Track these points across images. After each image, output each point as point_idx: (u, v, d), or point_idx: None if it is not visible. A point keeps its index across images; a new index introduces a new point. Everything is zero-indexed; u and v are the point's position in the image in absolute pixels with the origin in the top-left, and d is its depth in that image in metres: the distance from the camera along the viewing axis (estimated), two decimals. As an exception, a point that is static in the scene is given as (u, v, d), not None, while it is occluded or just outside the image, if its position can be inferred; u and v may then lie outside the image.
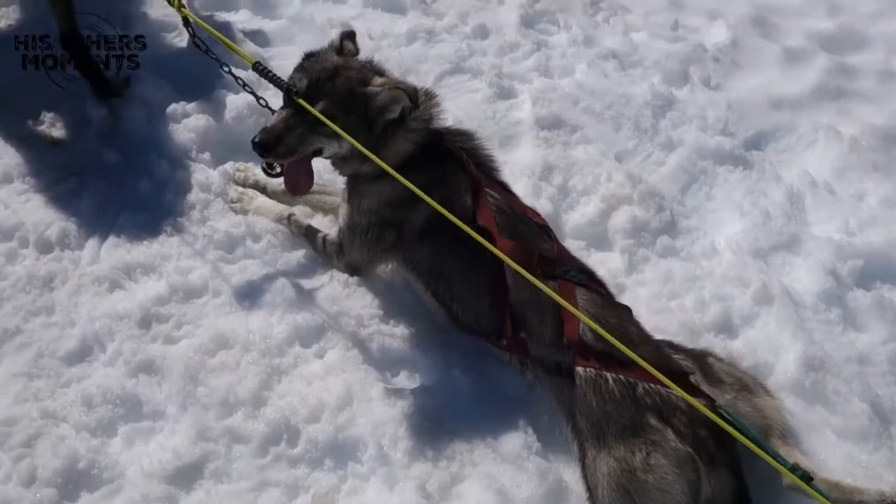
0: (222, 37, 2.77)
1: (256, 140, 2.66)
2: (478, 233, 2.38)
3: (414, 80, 3.79)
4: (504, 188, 2.87)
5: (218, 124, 3.53)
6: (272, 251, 3.13)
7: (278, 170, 2.88)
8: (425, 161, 2.74)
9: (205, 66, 3.30)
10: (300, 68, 2.75)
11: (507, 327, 2.65)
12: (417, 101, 2.71)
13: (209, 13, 4.06)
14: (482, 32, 4.06)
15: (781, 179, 3.63)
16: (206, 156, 3.46)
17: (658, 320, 3.04)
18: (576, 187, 3.47)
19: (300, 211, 3.28)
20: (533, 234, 2.74)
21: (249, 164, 3.43)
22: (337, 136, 2.60)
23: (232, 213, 3.25)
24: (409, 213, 2.76)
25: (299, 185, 2.88)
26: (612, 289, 3.05)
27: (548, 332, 2.58)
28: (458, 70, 3.89)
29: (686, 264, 3.27)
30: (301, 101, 2.59)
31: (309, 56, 2.82)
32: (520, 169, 3.48)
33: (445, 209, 2.36)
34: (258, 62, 2.77)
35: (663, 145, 3.72)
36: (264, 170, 2.90)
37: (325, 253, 3.06)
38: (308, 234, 3.11)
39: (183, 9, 2.86)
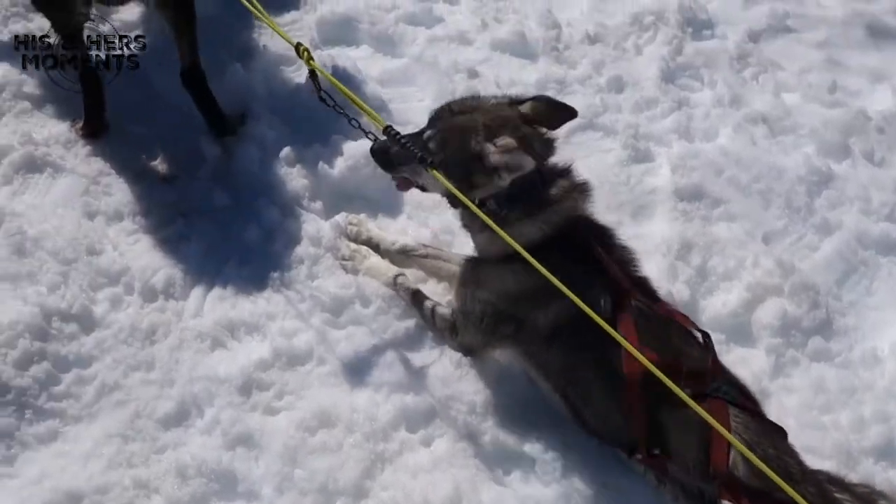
0: (354, 96, 2.64)
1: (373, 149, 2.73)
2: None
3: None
4: (646, 287, 2.60)
5: (332, 172, 3.41)
6: (382, 318, 2.97)
7: None
8: (555, 251, 2.45)
9: (322, 106, 3.19)
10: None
11: (644, 445, 2.39)
12: (544, 179, 2.46)
13: (330, 47, 3.96)
14: (617, 85, 3.82)
15: (959, 278, 3.25)
16: (318, 205, 3.35)
17: (808, 437, 2.74)
18: (716, 269, 3.20)
19: (413, 276, 3.12)
20: (682, 342, 2.46)
21: (362, 217, 3.30)
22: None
23: (342, 271, 3.12)
24: (532, 311, 2.55)
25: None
26: (756, 393, 2.77)
27: (692, 456, 2.31)
28: (590, 126, 3.66)
29: (842, 372, 2.95)
30: (436, 173, 2.42)
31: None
32: (654, 244, 3.23)
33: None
34: (389, 126, 2.61)
35: (818, 228, 3.40)
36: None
37: (437, 329, 2.90)
38: (420, 306, 2.95)
39: (311, 62, 2.74)
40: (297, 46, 2.76)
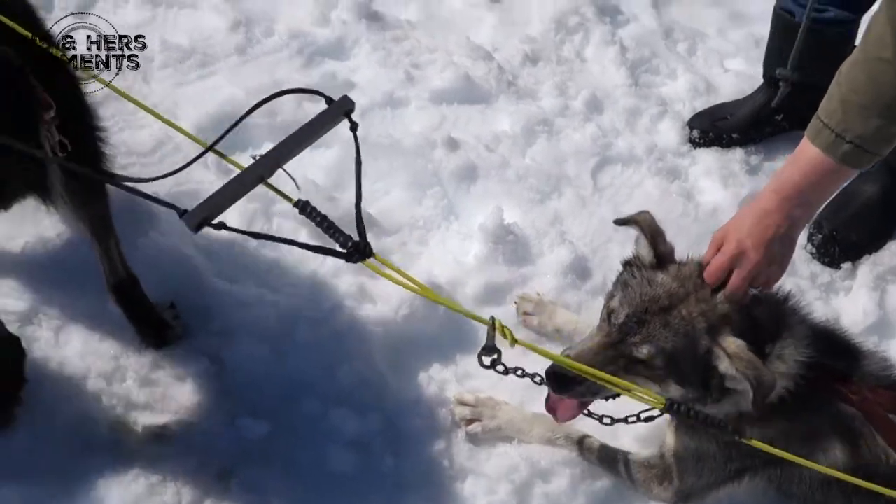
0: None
1: (551, 371, 2.10)
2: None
3: (571, 191, 3.29)
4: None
5: (379, 329, 2.83)
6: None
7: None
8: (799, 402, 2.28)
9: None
10: (620, 284, 2.24)
11: None
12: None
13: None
14: (595, 105, 3.61)
15: None
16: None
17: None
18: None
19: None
20: None
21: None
22: (658, 382, 2.15)
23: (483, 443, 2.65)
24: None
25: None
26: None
27: None
28: (606, 161, 3.45)
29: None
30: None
31: (629, 266, 2.29)
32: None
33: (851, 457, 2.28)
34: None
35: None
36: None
37: (635, 480, 2.60)
38: (607, 458, 2.62)
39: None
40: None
